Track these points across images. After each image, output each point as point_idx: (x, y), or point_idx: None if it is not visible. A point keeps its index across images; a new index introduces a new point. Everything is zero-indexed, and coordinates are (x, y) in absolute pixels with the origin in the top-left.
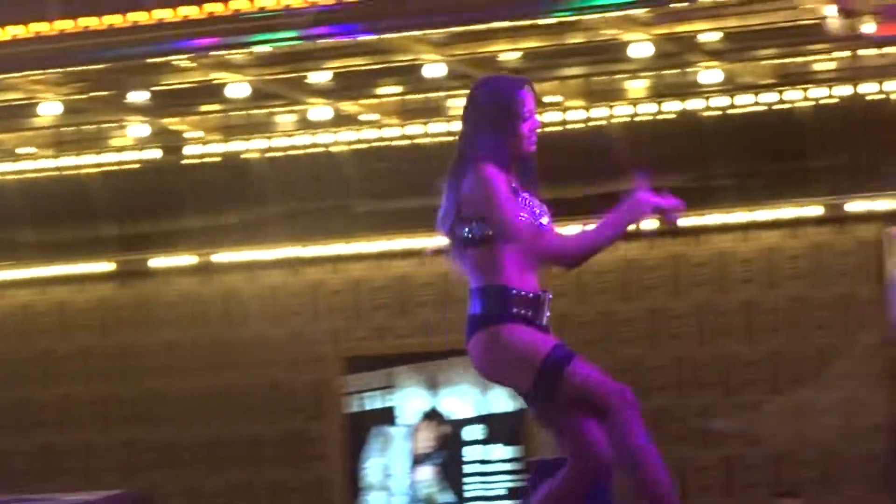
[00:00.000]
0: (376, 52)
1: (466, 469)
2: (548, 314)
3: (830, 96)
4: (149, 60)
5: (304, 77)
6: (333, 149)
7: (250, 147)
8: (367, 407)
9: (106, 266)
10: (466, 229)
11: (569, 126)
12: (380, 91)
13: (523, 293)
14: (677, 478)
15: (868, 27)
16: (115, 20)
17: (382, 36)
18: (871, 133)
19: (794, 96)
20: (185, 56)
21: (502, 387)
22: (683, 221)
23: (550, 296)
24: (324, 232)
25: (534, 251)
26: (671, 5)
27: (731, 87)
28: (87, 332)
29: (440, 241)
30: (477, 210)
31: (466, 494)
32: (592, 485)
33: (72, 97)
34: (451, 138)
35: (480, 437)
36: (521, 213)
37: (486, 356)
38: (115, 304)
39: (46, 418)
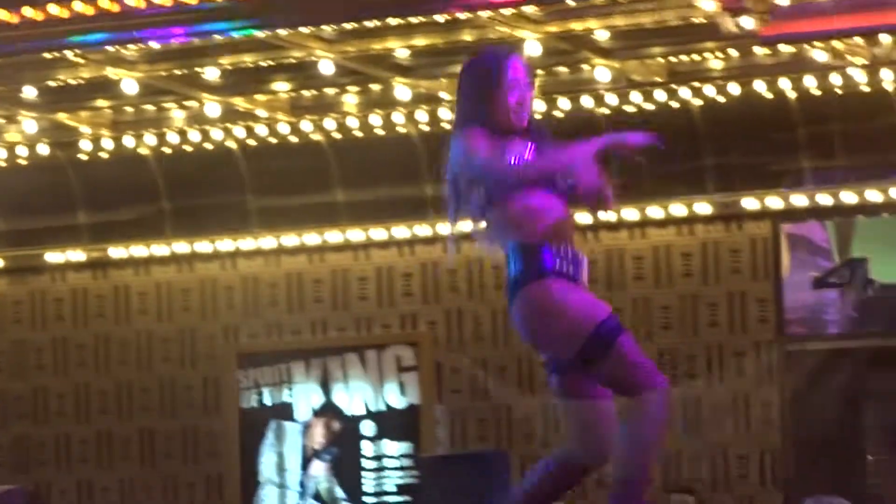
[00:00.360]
0: (268, 48)
1: (362, 464)
2: (586, 280)
3: (722, 94)
4: (44, 55)
5: (201, 73)
6: (226, 144)
7: (142, 143)
8: (264, 402)
9: None
10: (476, 194)
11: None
12: (272, 87)
13: (561, 248)
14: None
15: (759, 26)
16: (6, 16)
17: (275, 31)
18: (762, 131)
19: (686, 94)
20: (77, 51)
21: (540, 351)
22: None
23: (587, 260)
24: (216, 228)
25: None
26: (566, 1)
27: (622, 85)
28: None
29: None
30: (465, 169)
31: (363, 489)
32: (583, 473)
33: None
34: (340, 136)
35: (373, 433)
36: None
37: (530, 315)
38: (7, 300)
39: None
